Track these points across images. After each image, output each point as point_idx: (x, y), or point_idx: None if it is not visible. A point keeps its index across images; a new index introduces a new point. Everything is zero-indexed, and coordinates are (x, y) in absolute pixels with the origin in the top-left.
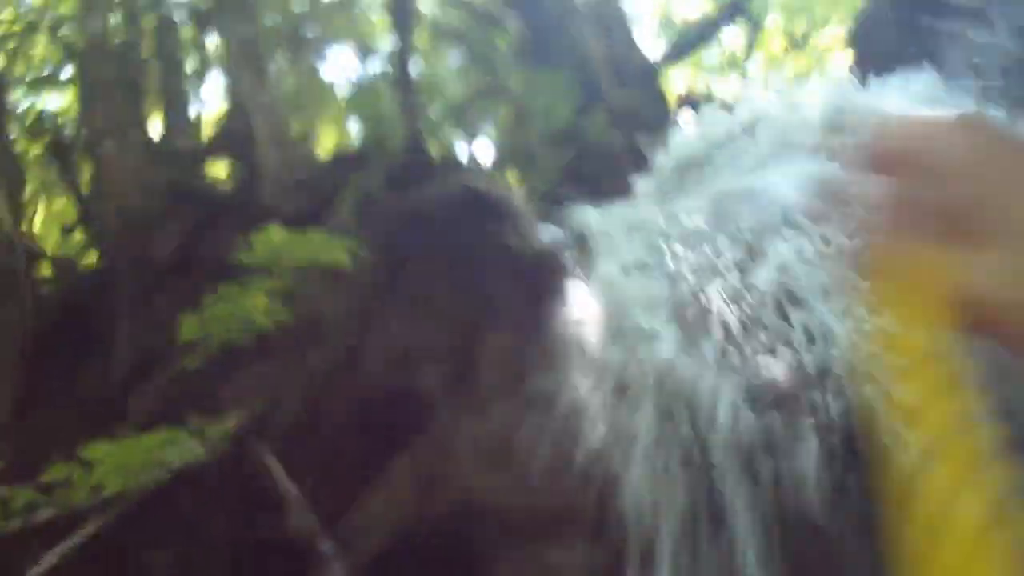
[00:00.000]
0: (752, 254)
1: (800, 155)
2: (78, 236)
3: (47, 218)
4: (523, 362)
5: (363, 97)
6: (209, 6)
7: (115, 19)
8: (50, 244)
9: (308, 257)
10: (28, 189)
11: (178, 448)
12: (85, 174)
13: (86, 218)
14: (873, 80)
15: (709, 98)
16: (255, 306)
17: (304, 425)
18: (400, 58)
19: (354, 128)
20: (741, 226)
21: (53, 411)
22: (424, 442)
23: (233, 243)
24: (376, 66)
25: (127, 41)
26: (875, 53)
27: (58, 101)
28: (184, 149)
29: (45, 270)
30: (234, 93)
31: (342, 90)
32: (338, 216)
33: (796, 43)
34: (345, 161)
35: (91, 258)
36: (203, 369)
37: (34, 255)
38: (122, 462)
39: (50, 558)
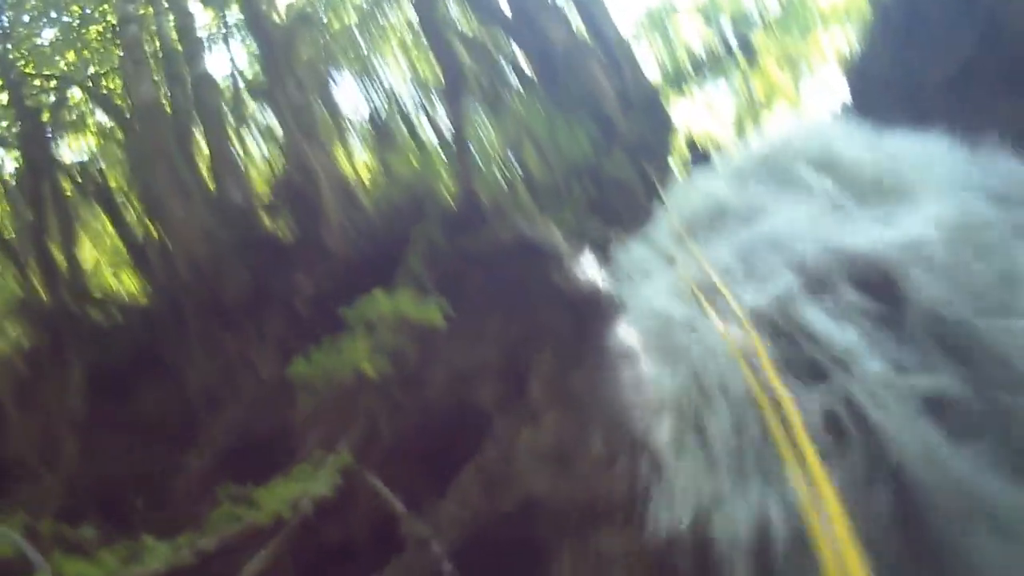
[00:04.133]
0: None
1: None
2: (128, 278)
3: (96, 262)
4: (568, 377)
5: (407, 152)
6: (258, 78)
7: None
8: (100, 284)
9: (402, 314)
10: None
11: (320, 482)
12: (132, 219)
13: (141, 263)
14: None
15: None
16: (360, 355)
17: (382, 438)
18: (456, 122)
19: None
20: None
21: (114, 437)
22: (487, 449)
23: (298, 284)
24: (382, 99)
25: (175, 105)
26: (865, 103)
27: (89, 147)
28: (241, 202)
29: (104, 311)
30: (293, 153)
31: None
32: (408, 265)
33: (790, 62)
34: (402, 211)
35: (143, 297)
36: (271, 398)
37: (90, 297)
38: (283, 497)
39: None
